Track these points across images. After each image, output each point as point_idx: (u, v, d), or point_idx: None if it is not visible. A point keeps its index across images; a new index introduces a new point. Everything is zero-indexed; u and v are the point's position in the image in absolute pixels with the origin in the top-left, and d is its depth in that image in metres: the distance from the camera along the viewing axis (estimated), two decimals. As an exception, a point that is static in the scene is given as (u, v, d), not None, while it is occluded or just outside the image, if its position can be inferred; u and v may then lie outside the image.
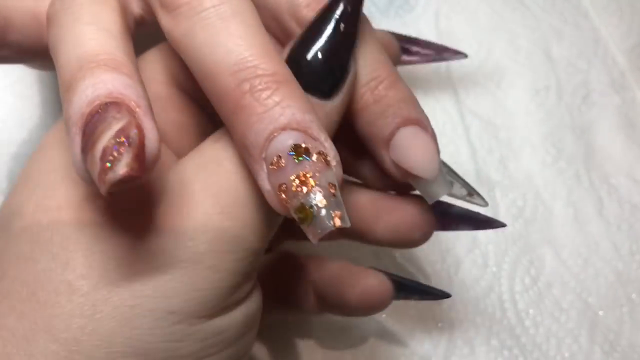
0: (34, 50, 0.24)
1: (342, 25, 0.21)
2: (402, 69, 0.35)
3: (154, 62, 0.24)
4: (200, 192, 0.19)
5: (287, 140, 0.17)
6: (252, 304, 0.21)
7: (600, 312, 0.30)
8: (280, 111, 0.18)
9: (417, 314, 0.29)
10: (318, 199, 0.17)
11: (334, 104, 0.21)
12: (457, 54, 0.32)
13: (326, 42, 0.21)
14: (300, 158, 0.17)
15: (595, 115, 0.35)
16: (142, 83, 0.18)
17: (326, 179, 0.17)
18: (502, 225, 0.25)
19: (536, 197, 0.32)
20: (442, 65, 0.35)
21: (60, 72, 0.19)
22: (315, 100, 0.20)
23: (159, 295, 0.19)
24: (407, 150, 0.22)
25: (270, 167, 0.18)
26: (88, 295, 0.18)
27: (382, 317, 0.29)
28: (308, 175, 0.17)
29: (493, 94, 0.35)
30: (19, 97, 0.32)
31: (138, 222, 0.19)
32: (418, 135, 0.22)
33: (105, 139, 0.16)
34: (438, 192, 0.23)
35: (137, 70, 0.19)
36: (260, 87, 0.18)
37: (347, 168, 0.23)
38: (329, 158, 0.18)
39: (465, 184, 0.25)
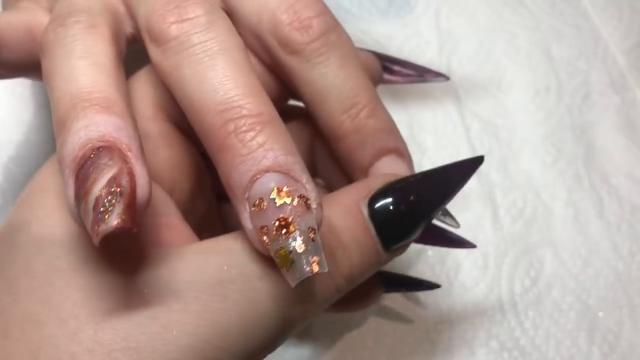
0: (28, 66, 0.24)
1: (448, 187, 0.21)
2: (402, 69, 0.35)
3: (143, 92, 0.23)
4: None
5: (270, 182, 0.18)
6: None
7: (600, 314, 0.30)
8: (264, 153, 0.18)
9: (417, 315, 0.29)
10: (297, 244, 0.17)
11: (390, 257, 0.21)
12: (438, 76, 0.31)
13: (427, 200, 0.21)
14: (282, 202, 0.18)
15: (595, 116, 0.35)
16: (134, 121, 0.18)
17: (306, 224, 0.17)
18: (472, 246, 0.26)
19: (536, 197, 0.32)
20: (443, 66, 0.35)
21: (54, 108, 0.19)
22: (379, 247, 0.21)
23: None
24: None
25: (252, 208, 0.18)
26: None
27: (382, 317, 0.29)
28: (288, 220, 0.17)
29: (493, 94, 0.35)
30: (18, 97, 0.32)
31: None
32: (395, 164, 0.23)
33: (97, 188, 0.16)
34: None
35: (129, 106, 0.19)
36: (244, 128, 0.18)
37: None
38: (309, 201, 0.18)
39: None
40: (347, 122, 0.22)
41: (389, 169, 0.23)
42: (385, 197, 0.21)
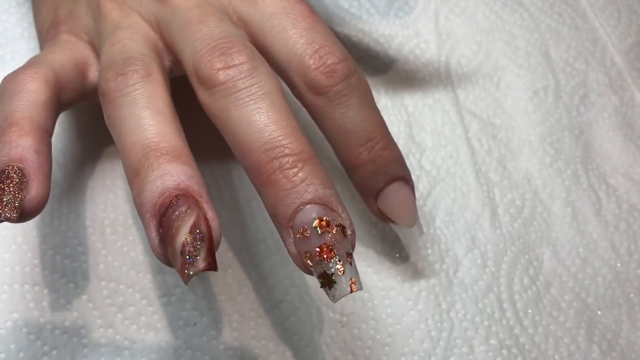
0: (80, 99, 0.27)
1: None
2: (401, 70, 0.35)
3: None
4: None
5: (311, 213, 0.21)
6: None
7: (599, 312, 0.30)
8: (305, 187, 0.21)
9: (417, 313, 0.29)
10: (338, 267, 0.20)
11: None
12: None
13: None
14: (323, 231, 0.21)
15: (594, 116, 0.35)
16: (197, 168, 0.22)
17: (344, 249, 0.21)
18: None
19: (535, 197, 0.33)
20: (442, 66, 0.36)
21: (124, 153, 0.22)
22: None
23: None
24: (392, 205, 0.26)
25: (297, 236, 0.21)
26: None
27: (382, 317, 0.29)
28: (330, 247, 0.21)
29: (492, 94, 0.35)
30: (20, 98, 0.32)
31: None
32: (401, 190, 0.26)
33: (182, 235, 0.20)
34: (413, 236, 0.28)
35: (191, 154, 0.22)
36: (288, 165, 0.21)
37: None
38: (345, 229, 0.21)
39: None
40: (365, 153, 0.25)
41: (397, 192, 0.26)
42: None
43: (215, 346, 0.28)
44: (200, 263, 0.20)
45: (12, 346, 0.27)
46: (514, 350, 0.29)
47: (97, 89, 0.24)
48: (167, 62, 0.25)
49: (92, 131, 0.32)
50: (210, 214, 0.21)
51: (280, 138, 0.21)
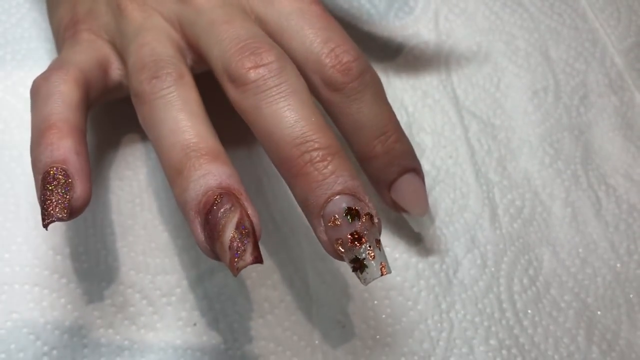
0: (101, 98, 0.27)
1: None
2: (401, 70, 0.35)
3: None
4: None
5: (342, 203, 0.22)
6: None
7: (598, 312, 0.30)
8: (335, 179, 0.22)
9: (417, 313, 0.29)
10: (369, 252, 0.22)
11: None
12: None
13: None
14: (353, 219, 0.22)
15: (593, 116, 0.35)
16: (234, 167, 0.23)
17: (373, 236, 0.22)
18: None
19: (534, 197, 0.33)
20: (442, 66, 0.36)
21: (164, 154, 0.23)
22: None
23: None
24: (405, 195, 0.28)
25: (328, 224, 0.22)
26: None
27: (382, 317, 0.29)
28: (359, 234, 0.22)
29: (492, 95, 0.35)
30: (20, 98, 0.32)
31: None
32: (413, 181, 0.28)
33: (229, 231, 0.21)
34: (424, 225, 0.30)
35: (226, 153, 0.24)
36: (318, 158, 0.22)
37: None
38: (373, 217, 0.22)
39: None
40: (379, 146, 0.27)
41: (409, 182, 0.28)
42: None
43: (216, 346, 0.28)
44: (248, 257, 0.21)
45: (12, 346, 0.27)
46: (514, 351, 0.29)
47: (130, 90, 0.25)
48: (189, 61, 0.26)
49: (93, 134, 0.32)
50: (251, 211, 0.22)
51: (310, 133, 0.22)
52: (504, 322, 0.30)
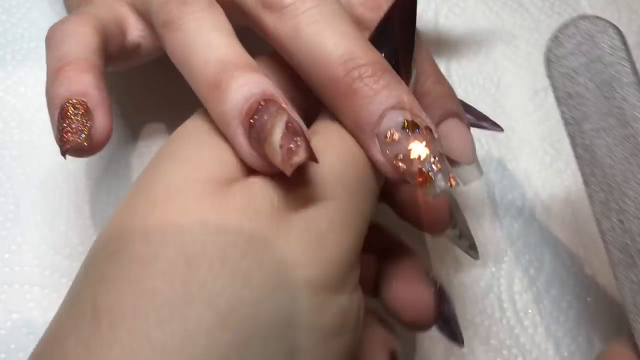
0: (117, 57, 0.26)
1: (401, 30, 0.23)
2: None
3: None
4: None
5: (398, 117, 0.20)
6: (359, 298, 0.23)
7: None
8: (388, 93, 0.20)
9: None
10: (434, 163, 0.20)
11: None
12: (495, 126, 0.31)
13: (389, 47, 0.23)
14: (412, 131, 0.20)
15: (594, 116, 0.35)
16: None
17: (436, 148, 0.20)
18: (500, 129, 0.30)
19: (535, 197, 0.33)
20: (442, 66, 0.36)
21: (197, 72, 0.21)
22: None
23: (299, 265, 0.20)
24: (449, 139, 0.25)
25: (385, 140, 0.20)
26: (241, 264, 0.19)
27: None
28: (422, 145, 0.20)
29: (492, 94, 0.35)
30: (20, 98, 0.32)
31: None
32: (458, 126, 0.26)
33: (278, 131, 0.19)
34: (472, 176, 0.27)
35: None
36: (368, 74, 0.20)
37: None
38: (433, 131, 0.20)
39: (467, 235, 0.28)
40: (417, 86, 0.25)
41: (452, 131, 0.26)
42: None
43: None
44: (302, 152, 0.19)
45: (12, 346, 0.27)
46: (514, 351, 0.29)
47: (156, 26, 0.24)
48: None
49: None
50: (298, 119, 0.20)
51: (357, 49, 0.21)
52: (504, 321, 0.29)
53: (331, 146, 0.22)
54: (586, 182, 0.26)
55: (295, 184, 0.21)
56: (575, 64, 0.25)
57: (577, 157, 0.26)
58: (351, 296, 0.22)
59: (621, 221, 0.25)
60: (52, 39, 0.23)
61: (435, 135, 0.20)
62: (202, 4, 0.23)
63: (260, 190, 0.21)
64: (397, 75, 0.21)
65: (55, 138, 0.21)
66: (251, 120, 0.20)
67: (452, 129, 0.26)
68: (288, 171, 0.19)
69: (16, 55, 0.33)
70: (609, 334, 0.30)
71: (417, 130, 0.20)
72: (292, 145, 0.19)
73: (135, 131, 0.32)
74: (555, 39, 0.25)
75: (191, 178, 0.20)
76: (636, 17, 0.38)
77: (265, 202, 0.20)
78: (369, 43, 0.21)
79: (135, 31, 0.26)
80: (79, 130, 0.21)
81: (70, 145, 0.20)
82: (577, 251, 0.32)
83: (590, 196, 0.26)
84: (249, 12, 0.23)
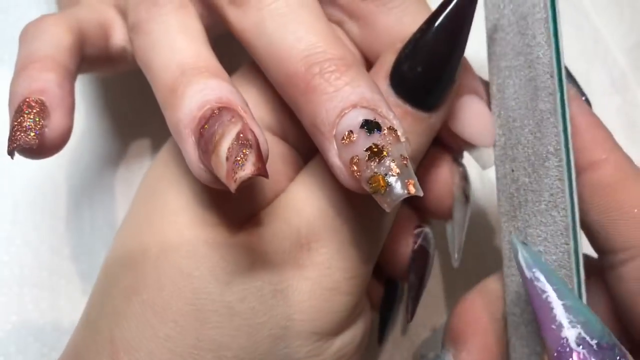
0: (100, 60, 0.25)
1: (451, 34, 0.21)
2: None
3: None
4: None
5: (358, 116, 0.18)
6: (365, 320, 0.23)
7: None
8: (350, 90, 0.18)
9: (417, 313, 0.29)
10: (392, 167, 0.17)
11: (439, 116, 0.22)
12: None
13: (435, 53, 0.21)
14: (372, 131, 0.18)
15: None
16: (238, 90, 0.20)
17: (398, 151, 0.18)
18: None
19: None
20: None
21: (158, 76, 0.20)
22: (420, 113, 0.21)
23: (306, 319, 0.20)
24: (465, 118, 0.23)
25: (341, 142, 0.18)
26: (250, 319, 0.20)
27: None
28: (380, 146, 0.18)
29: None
30: (19, 98, 0.32)
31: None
32: (476, 104, 0.23)
33: (227, 141, 0.17)
34: (490, 161, 0.24)
35: (230, 79, 0.20)
36: (330, 69, 0.19)
37: None
38: (399, 133, 0.18)
39: (458, 238, 0.26)
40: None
41: (468, 110, 0.23)
42: (400, 67, 0.21)
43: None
44: (249, 166, 0.17)
45: (12, 348, 0.27)
46: (516, 352, 0.29)
47: (127, 27, 0.23)
48: (197, 9, 0.23)
49: (97, 137, 0.32)
50: (257, 129, 0.18)
51: (321, 44, 0.19)
52: (506, 323, 0.29)
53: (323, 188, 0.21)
54: (495, 126, 0.24)
55: (305, 231, 0.21)
56: None
57: (491, 96, 0.24)
58: (356, 325, 0.22)
59: (512, 170, 0.23)
60: (23, 36, 0.22)
61: (402, 138, 0.18)
62: (172, 6, 0.21)
63: (270, 239, 0.20)
64: (365, 72, 0.19)
65: (9, 132, 0.20)
66: (202, 130, 0.18)
67: (468, 106, 0.23)
68: (232, 187, 0.17)
69: (14, 56, 0.33)
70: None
71: (379, 131, 0.18)
72: (239, 158, 0.17)
73: (135, 131, 0.32)
74: None
75: (199, 225, 0.20)
76: (639, 17, 0.38)
77: (276, 253, 0.20)
78: (336, 37, 0.20)
79: (120, 35, 0.25)
80: (30, 128, 0.19)
81: (17, 144, 0.19)
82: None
83: (495, 140, 0.24)
84: (215, 8, 0.22)
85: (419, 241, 0.25)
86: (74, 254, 0.29)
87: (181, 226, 0.20)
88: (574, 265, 0.20)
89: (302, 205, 0.21)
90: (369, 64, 0.23)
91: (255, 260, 0.20)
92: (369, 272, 0.22)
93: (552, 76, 0.21)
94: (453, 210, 0.25)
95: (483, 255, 0.31)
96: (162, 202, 0.21)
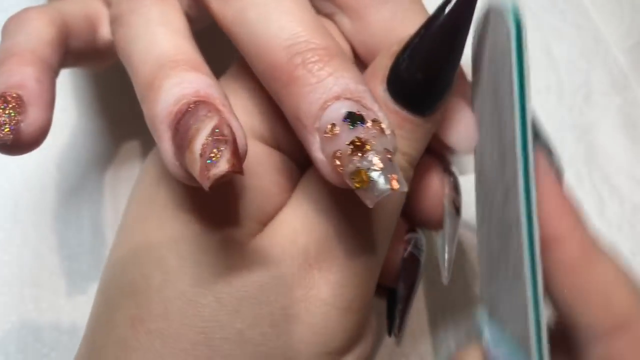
0: (87, 54, 0.24)
1: (450, 38, 0.20)
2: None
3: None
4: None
5: (341, 108, 0.17)
6: (372, 333, 0.22)
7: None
8: (334, 81, 0.18)
9: (417, 313, 0.29)
10: (375, 161, 0.17)
11: (436, 121, 0.21)
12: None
13: (434, 58, 0.20)
14: (355, 124, 0.17)
15: (596, 116, 0.35)
16: (219, 83, 0.19)
17: (382, 145, 0.17)
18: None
19: (537, 197, 0.32)
20: (443, 65, 0.35)
21: (137, 70, 0.19)
22: (418, 119, 0.20)
23: (320, 341, 0.20)
24: (446, 121, 0.22)
25: (324, 135, 0.17)
26: (262, 345, 0.19)
27: (382, 318, 0.29)
28: (363, 140, 0.17)
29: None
30: (19, 98, 0.32)
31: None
32: (459, 107, 0.22)
33: (202, 137, 0.17)
34: (469, 168, 0.24)
35: (211, 71, 0.19)
36: (313, 59, 0.18)
37: None
38: (383, 126, 0.17)
39: (449, 253, 0.25)
40: None
41: (453, 106, 0.22)
42: (398, 73, 0.20)
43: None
44: (224, 163, 0.16)
45: (11, 348, 0.27)
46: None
47: (109, 20, 0.23)
48: (183, 6, 0.23)
49: (95, 133, 0.32)
50: (235, 124, 0.17)
51: (304, 33, 0.18)
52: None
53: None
54: (476, 182, 0.24)
55: (314, 252, 0.20)
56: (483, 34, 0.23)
57: (474, 111, 0.23)
58: (365, 339, 0.22)
59: (488, 232, 0.23)
60: (5, 29, 0.22)
61: (387, 132, 0.17)
62: None
63: (278, 262, 0.20)
64: (350, 62, 0.19)
65: None
66: (177, 125, 0.18)
67: (456, 112, 0.22)
68: (205, 184, 0.16)
69: (15, 55, 0.33)
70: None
71: (362, 124, 0.17)
72: (212, 154, 0.16)
73: (136, 130, 0.32)
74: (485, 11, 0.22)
75: (202, 250, 0.20)
76: (639, 17, 0.38)
77: (285, 277, 0.20)
78: (321, 27, 0.19)
79: (107, 28, 0.24)
80: (4, 123, 0.19)
81: None
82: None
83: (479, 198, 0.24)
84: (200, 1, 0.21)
85: (409, 248, 0.24)
86: (74, 254, 0.29)
87: (183, 252, 0.20)
88: (534, 340, 0.20)
89: (307, 223, 0.20)
90: (359, 58, 0.23)
91: (263, 285, 0.19)
92: (375, 285, 0.22)
93: (516, 144, 0.20)
94: (443, 223, 0.25)
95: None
96: (157, 224, 0.21)
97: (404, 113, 0.20)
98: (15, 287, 0.28)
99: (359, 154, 0.17)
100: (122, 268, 0.21)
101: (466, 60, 0.34)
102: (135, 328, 0.19)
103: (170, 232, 0.20)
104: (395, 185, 0.17)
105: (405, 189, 0.17)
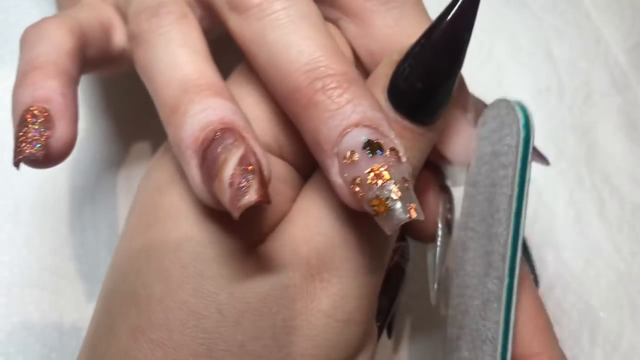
0: (101, 61, 0.25)
1: (451, 48, 0.20)
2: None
3: None
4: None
5: (360, 136, 0.18)
6: (373, 341, 0.22)
7: (602, 314, 0.30)
8: (353, 108, 0.18)
9: (417, 313, 0.29)
10: (394, 191, 0.17)
11: (436, 130, 0.21)
12: (541, 158, 0.28)
13: (436, 67, 0.20)
14: (374, 153, 0.18)
15: (597, 116, 0.35)
16: (241, 108, 0.19)
17: (400, 173, 0.18)
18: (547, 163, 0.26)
19: (538, 198, 0.32)
20: (443, 65, 0.35)
21: (159, 92, 0.20)
22: (419, 129, 0.20)
23: (322, 353, 0.20)
24: (445, 132, 0.22)
25: (343, 161, 0.18)
26: (264, 357, 0.19)
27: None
28: (382, 169, 0.18)
29: (494, 94, 0.35)
30: (19, 99, 0.32)
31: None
32: (458, 119, 0.23)
33: (230, 167, 0.17)
34: (462, 179, 0.24)
35: (232, 94, 0.20)
36: (332, 85, 0.18)
37: None
38: (400, 154, 0.18)
39: (439, 271, 0.25)
40: None
41: (452, 119, 0.23)
42: (399, 82, 0.20)
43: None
44: (253, 194, 0.17)
45: (12, 349, 0.27)
46: (517, 353, 0.29)
47: (127, 37, 0.23)
48: (197, 13, 0.23)
49: (99, 136, 0.32)
50: (259, 151, 0.18)
51: (323, 58, 0.19)
52: (506, 324, 0.29)
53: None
54: (454, 283, 0.24)
55: (315, 262, 0.20)
56: (485, 148, 0.23)
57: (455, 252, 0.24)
58: (367, 348, 0.22)
59: (457, 337, 0.23)
60: (25, 40, 0.22)
61: (403, 159, 0.18)
62: (173, 17, 0.21)
63: (279, 273, 0.20)
64: (366, 87, 0.19)
65: (14, 142, 0.20)
66: (204, 153, 0.18)
67: (456, 123, 0.23)
68: (235, 213, 0.17)
69: (14, 56, 0.33)
70: (612, 336, 0.30)
71: (380, 152, 0.18)
72: (242, 184, 0.17)
73: (137, 132, 0.32)
74: (482, 116, 0.23)
75: (202, 260, 0.20)
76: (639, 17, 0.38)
77: (287, 287, 0.20)
78: (339, 52, 0.20)
79: (120, 35, 0.25)
80: (35, 139, 0.19)
81: (23, 156, 0.19)
82: (580, 253, 0.31)
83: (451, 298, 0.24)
84: (218, 14, 0.22)
85: (396, 258, 0.24)
86: (76, 255, 0.29)
87: (184, 262, 0.20)
88: None
89: (309, 233, 0.20)
90: (361, 63, 0.23)
91: (265, 296, 0.19)
92: (377, 297, 0.22)
93: (504, 260, 0.20)
94: (435, 240, 0.25)
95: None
96: (159, 233, 0.21)
97: (404, 122, 0.20)
98: (17, 288, 0.28)
99: (378, 183, 0.17)
100: (123, 276, 0.20)
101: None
102: (136, 337, 0.19)
103: (173, 241, 0.20)
104: (414, 214, 0.17)
105: (422, 217, 0.17)
